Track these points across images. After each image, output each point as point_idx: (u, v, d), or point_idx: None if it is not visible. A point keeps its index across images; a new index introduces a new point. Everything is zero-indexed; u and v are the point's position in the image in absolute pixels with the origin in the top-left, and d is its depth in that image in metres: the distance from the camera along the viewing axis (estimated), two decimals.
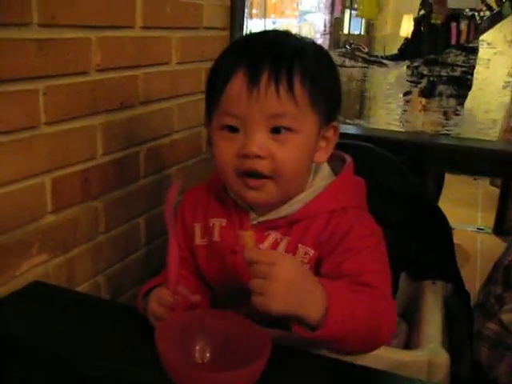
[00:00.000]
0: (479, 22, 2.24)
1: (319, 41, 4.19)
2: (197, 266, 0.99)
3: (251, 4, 3.64)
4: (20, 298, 0.98)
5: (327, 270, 0.85)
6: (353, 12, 4.38)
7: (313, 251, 0.88)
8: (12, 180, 0.96)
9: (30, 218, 1.01)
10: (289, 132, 0.82)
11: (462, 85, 2.02)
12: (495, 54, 1.60)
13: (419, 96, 1.80)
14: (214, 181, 0.97)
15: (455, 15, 2.33)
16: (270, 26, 3.64)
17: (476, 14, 2.36)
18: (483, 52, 1.83)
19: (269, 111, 0.81)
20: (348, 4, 4.33)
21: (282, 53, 0.83)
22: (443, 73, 2.01)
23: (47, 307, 0.97)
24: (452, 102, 1.76)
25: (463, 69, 1.95)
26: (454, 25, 2.28)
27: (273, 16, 3.76)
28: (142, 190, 1.31)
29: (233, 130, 0.83)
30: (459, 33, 2.24)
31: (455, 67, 1.90)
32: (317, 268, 0.88)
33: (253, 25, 2.81)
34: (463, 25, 2.22)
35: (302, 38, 0.90)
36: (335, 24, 4.22)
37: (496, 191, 3.80)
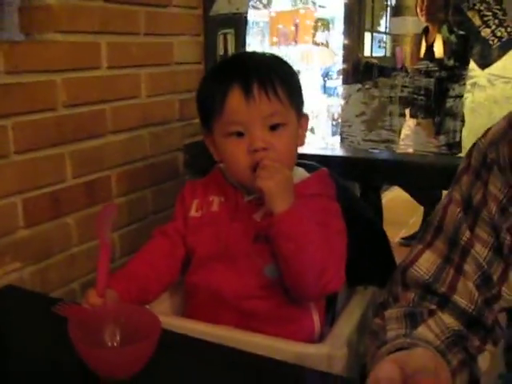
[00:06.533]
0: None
1: None
2: (185, 236, 1.18)
3: (271, 33, 3.88)
4: None
5: None
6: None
7: None
8: None
9: (2, 233, 1.21)
10: (281, 127, 1.08)
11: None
12: None
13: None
14: (212, 174, 1.22)
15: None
16: (288, 52, 3.81)
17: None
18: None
19: (264, 113, 1.06)
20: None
21: (261, 68, 1.09)
22: (392, 94, 2.13)
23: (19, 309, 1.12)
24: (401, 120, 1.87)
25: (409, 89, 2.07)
26: (398, 49, 2.39)
27: (293, 44, 3.96)
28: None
29: (239, 134, 1.07)
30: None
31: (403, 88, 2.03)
32: None
33: (274, 51, 3.02)
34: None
35: (264, 52, 1.21)
36: None
37: None
